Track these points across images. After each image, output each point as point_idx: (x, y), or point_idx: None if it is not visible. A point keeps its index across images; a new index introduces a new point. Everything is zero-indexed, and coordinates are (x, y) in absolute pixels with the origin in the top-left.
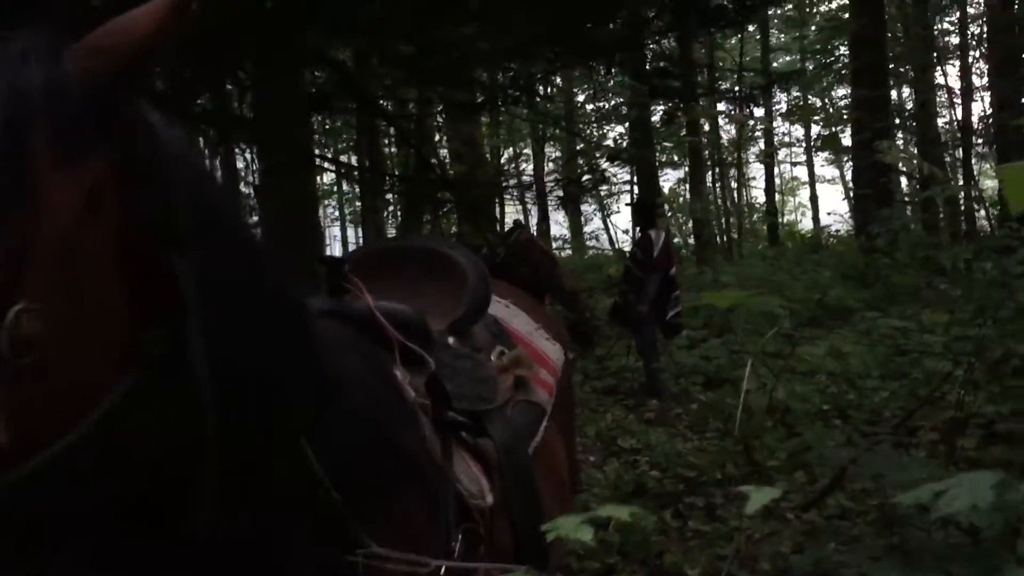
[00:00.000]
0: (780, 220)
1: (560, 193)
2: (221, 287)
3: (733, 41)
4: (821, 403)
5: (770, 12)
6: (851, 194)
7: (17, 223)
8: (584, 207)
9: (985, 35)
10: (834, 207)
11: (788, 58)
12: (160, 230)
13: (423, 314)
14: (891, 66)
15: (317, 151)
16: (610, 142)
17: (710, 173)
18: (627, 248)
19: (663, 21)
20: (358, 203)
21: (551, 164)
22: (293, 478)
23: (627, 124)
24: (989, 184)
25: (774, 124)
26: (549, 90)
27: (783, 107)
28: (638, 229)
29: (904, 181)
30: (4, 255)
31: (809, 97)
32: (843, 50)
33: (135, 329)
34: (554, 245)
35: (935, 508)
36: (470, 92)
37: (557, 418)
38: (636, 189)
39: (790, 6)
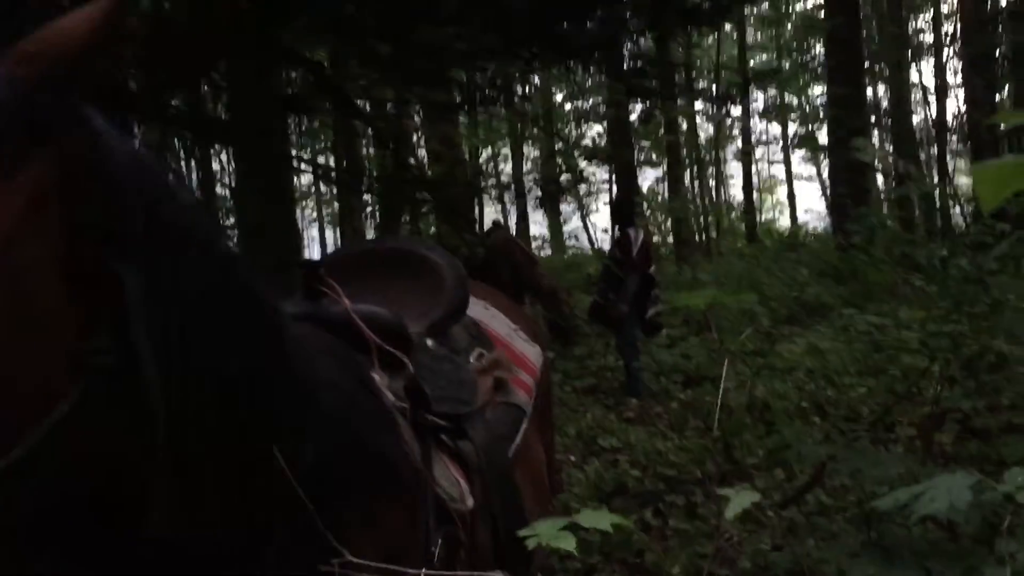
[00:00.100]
0: (758, 218)
1: (539, 193)
2: (174, 292)
3: (710, 40)
4: (799, 400)
5: (746, 11)
6: (828, 192)
7: None
8: (563, 207)
9: (959, 33)
10: (811, 205)
11: (765, 57)
12: (105, 236)
13: (401, 316)
14: (866, 64)
15: (294, 152)
16: (588, 142)
17: (688, 172)
18: (606, 247)
19: (640, 21)
20: (336, 204)
21: (529, 164)
22: (265, 484)
23: (605, 123)
24: (964, 181)
25: (751, 123)
26: (527, 90)
27: (760, 106)
28: (617, 228)
29: (880, 179)
30: None
31: (786, 96)
32: (819, 49)
33: (84, 336)
34: (533, 245)
35: (915, 509)
36: (448, 92)
37: (536, 419)
38: (615, 188)
39: (766, 5)
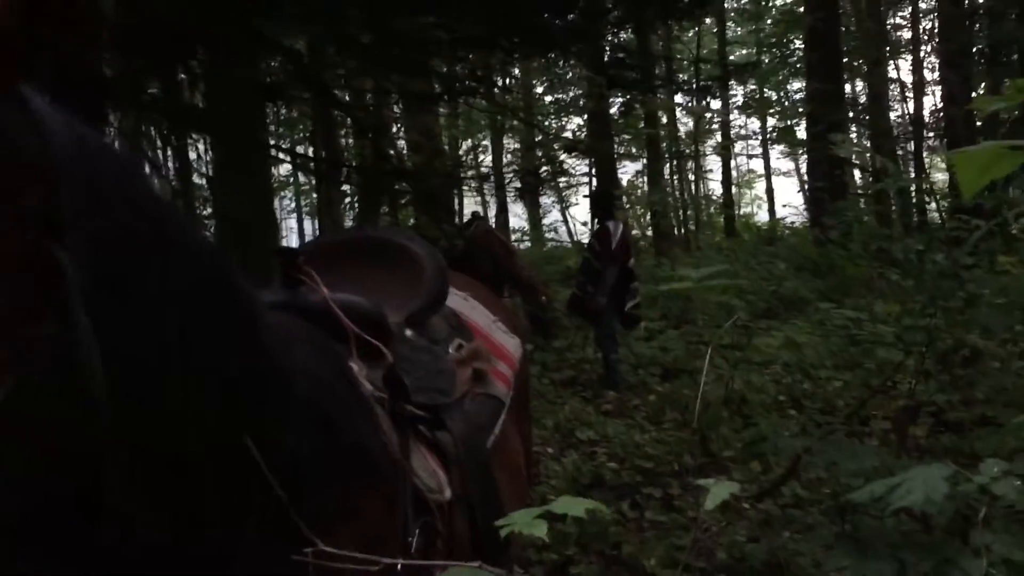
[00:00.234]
0: (736, 212)
1: (518, 184)
2: (125, 279)
3: (690, 34)
4: (776, 393)
5: (726, 5)
6: (806, 186)
7: None
8: (542, 199)
9: (936, 30)
10: (789, 199)
11: (744, 51)
12: (47, 222)
13: (380, 306)
14: (845, 60)
15: (272, 142)
16: (568, 134)
17: (668, 165)
18: (585, 240)
19: (621, 12)
20: (314, 195)
21: (509, 155)
22: (236, 475)
23: (585, 116)
24: (940, 177)
25: (731, 117)
26: (507, 81)
27: (739, 100)
28: (596, 221)
29: (858, 174)
30: None
31: (765, 90)
32: (798, 44)
33: (25, 324)
34: (513, 237)
35: (890, 501)
36: (427, 82)
37: (515, 411)
38: (594, 181)
39: None
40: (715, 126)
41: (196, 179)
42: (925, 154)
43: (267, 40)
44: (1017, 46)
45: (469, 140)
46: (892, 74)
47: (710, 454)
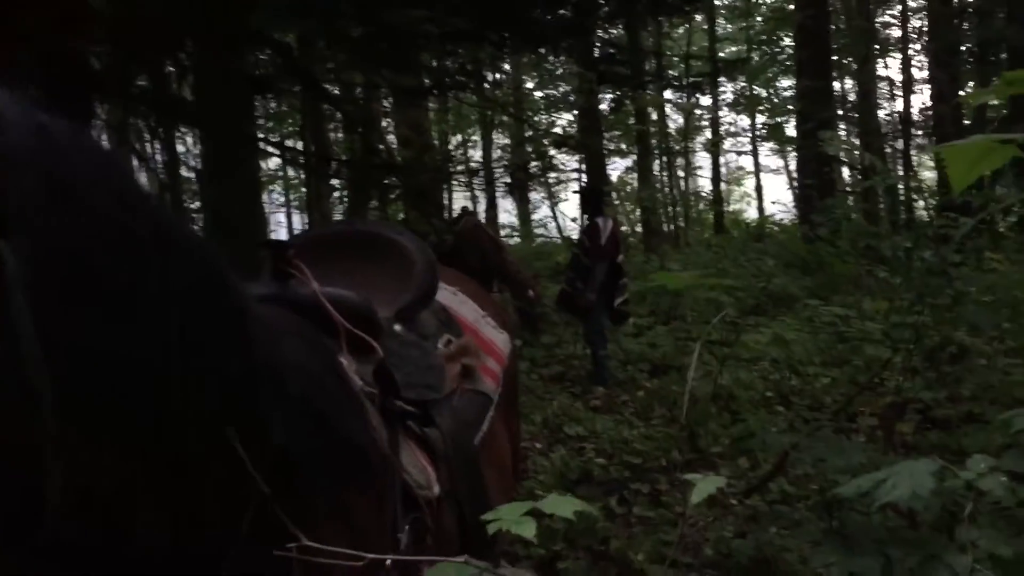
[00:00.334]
0: (726, 209)
1: (508, 180)
2: (97, 276)
3: (681, 31)
4: (764, 390)
5: (716, 2)
6: (795, 184)
7: None
8: (532, 195)
9: (925, 28)
10: (778, 196)
11: (734, 48)
12: None
13: (369, 300)
14: (834, 58)
15: (261, 135)
16: (558, 129)
17: (657, 161)
18: (575, 236)
19: (611, 8)
20: (303, 189)
21: (499, 151)
22: (236, 474)
23: (575, 111)
24: (928, 175)
25: (720, 114)
26: (497, 76)
27: (729, 97)
28: (586, 217)
29: (846, 171)
30: None
31: (755, 87)
32: (788, 41)
33: None
34: (502, 233)
35: (877, 496)
36: (417, 77)
37: (503, 407)
38: (584, 177)
39: None
40: (705, 123)
41: (184, 172)
42: (913, 152)
43: (256, 33)
44: (1006, 44)
45: (459, 135)
46: (881, 72)
47: (698, 450)
